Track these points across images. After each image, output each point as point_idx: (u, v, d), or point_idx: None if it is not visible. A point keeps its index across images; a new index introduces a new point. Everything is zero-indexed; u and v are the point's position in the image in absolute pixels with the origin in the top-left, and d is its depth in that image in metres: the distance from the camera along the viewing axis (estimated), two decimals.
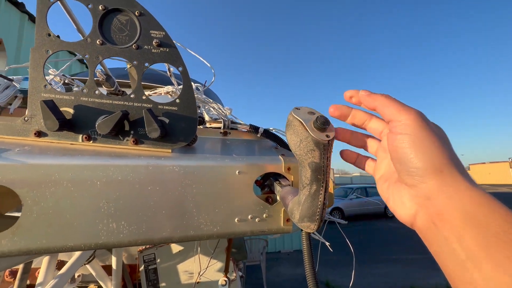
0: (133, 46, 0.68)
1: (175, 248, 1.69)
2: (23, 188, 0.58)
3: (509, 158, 49.94)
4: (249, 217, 0.74)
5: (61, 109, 0.66)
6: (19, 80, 1.14)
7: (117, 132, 0.68)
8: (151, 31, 0.68)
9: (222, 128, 0.93)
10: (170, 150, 0.72)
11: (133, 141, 0.69)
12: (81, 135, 0.67)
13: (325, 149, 0.51)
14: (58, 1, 0.66)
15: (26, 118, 0.65)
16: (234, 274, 1.62)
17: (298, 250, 9.11)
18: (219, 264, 1.65)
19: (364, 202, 14.30)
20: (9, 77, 1.17)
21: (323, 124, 0.50)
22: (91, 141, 0.68)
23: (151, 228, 0.66)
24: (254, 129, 0.93)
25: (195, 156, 0.74)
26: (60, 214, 0.60)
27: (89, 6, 0.66)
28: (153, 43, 0.68)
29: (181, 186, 0.68)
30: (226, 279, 1.22)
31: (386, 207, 14.46)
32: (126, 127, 0.69)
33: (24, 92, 1.12)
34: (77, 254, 1.21)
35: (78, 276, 1.75)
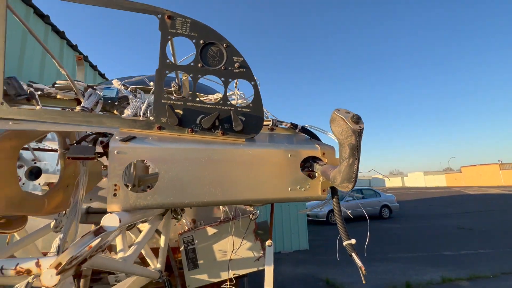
0: (222, 67, 0.99)
1: (210, 230, 1.97)
2: (159, 163, 0.88)
3: (499, 160, 51.43)
4: (297, 187, 1.04)
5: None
6: (101, 89, 1.43)
7: (211, 127, 0.98)
8: (233, 57, 1.00)
9: (270, 125, 1.24)
10: (244, 140, 1.02)
11: (221, 133, 0.99)
12: (187, 129, 0.98)
13: (359, 134, 0.82)
14: (169, 40, 0.96)
15: (152, 118, 0.95)
16: (261, 252, 1.91)
17: (297, 250, 9.38)
18: (248, 244, 1.93)
19: (360, 203, 14.67)
20: (93, 85, 1.46)
21: (357, 119, 0.82)
22: (194, 133, 0.98)
23: (235, 192, 0.96)
24: (294, 126, 1.25)
25: (259, 144, 1.04)
26: (180, 181, 0.90)
27: (193, 40, 0.97)
28: (235, 65, 0.99)
29: (253, 164, 0.98)
30: (271, 241, 1.52)
31: (381, 209, 14.86)
32: (216, 123, 0.99)
33: (105, 98, 1.41)
34: (142, 234, 1.49)
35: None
